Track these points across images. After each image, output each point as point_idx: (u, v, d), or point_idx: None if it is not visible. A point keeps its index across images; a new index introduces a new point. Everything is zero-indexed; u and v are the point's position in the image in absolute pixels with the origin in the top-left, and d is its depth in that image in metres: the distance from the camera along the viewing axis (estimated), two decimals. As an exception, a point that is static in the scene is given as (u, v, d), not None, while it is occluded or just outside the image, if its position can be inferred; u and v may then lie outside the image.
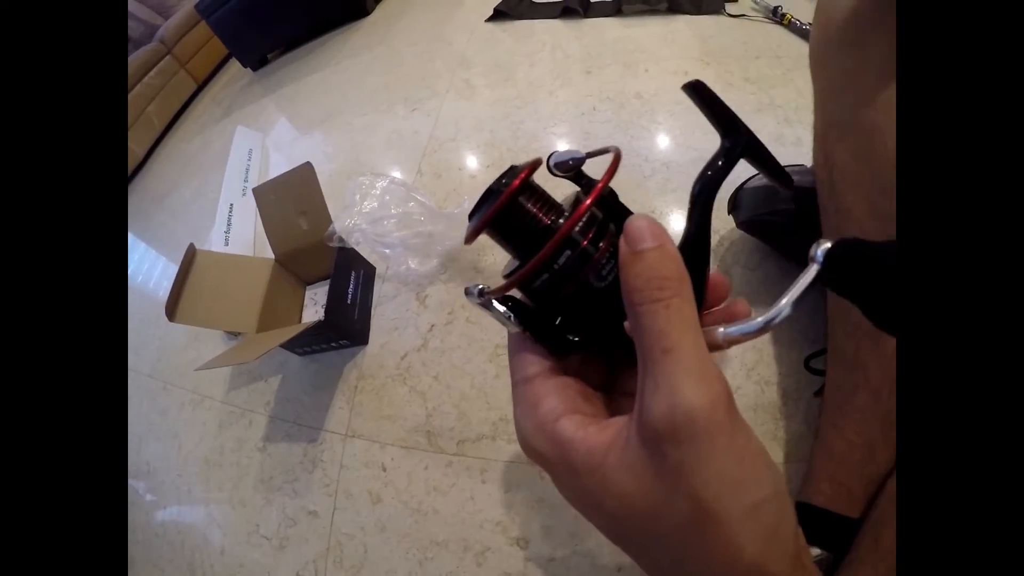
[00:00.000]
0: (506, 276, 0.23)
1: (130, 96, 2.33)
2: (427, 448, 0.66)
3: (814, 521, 0.38)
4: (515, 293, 0.24)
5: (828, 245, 0.20)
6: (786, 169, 0.47)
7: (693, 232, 0.23)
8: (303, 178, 0.87)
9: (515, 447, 0.62)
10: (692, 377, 0.18)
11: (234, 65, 2.58)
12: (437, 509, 0.61)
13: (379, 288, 0.90)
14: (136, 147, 2.16)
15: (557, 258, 0.21)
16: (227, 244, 1.14)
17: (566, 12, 1.61)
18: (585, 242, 0.22)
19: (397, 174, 1.11)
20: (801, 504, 0.45)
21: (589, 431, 0.20)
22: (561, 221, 0.22)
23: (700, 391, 0.17)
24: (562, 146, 0.97)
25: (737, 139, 0.24)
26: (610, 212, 0.24)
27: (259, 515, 0.74)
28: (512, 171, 0.22)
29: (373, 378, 0.77)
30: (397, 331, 0.82)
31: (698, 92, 0.23)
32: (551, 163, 0.25)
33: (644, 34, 1.34)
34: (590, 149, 0.25)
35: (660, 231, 0.20)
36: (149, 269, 1.45)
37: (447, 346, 0.76)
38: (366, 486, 0.67)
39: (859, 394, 0.43)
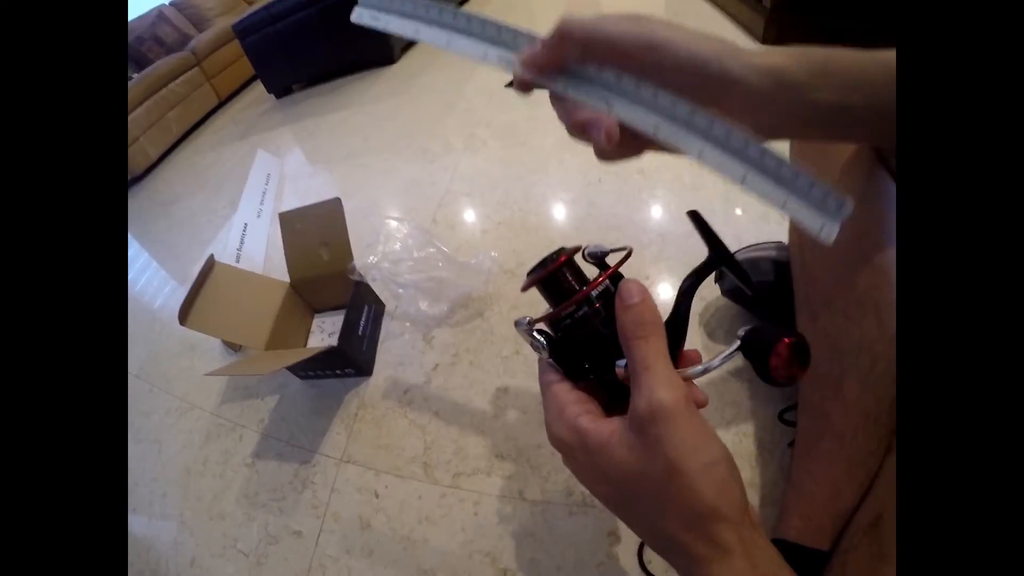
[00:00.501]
0: (542, 319, 0.34)
1: (153, 99, 2.40)
2: (422, 479, 0.69)
3: (787, 554, 0.43)
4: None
5: (745, 330, 0.30)
6: (768, 245, 0.57)
7: (678, 314, 0.33)
8: (330, 211, 0.93)
9: (509, 482, 0.66)
10: (662, 384, 0.27)
11: (257, 88, 2.68)
12: (427, 538, 0.63)
13: (387, 325, 0.95)
14: (151, 149, 2.20)
15: (577, 311, 0.32)
16: (238, 261, 1.18)
17: None
18: (598, 304, 0.33)
19: (413, 220, 1.18)
20: (775, 540, 0.50)
21: (599, 423, 0.30)
22: (583, 288, 0.33)
23: (668, 392, 0.27)
24: (569, 211, 1.06)
25: (719, 255, 0.34)
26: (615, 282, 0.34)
27: (238, 530, 0.74)
28: (561, 251, 0.34)
29: (374, 408, 0.81)
30: (402, 366, 0.86)
31: (695, 219, 0.34)
32: (586, 252, 0.36)
33: None
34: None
35: (644, 291, 0.30)
36: (145, 273, 1.47)
37: (449, 385, 0.80)
38: (357, 511, 0.69)
39: (825, 439, 0.49)
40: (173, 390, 1.05)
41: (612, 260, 0.35)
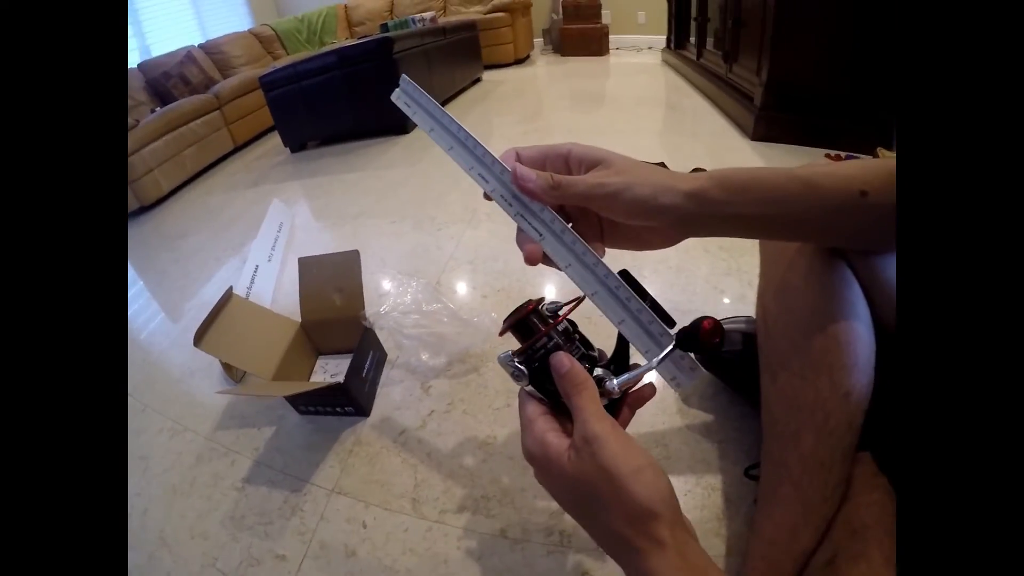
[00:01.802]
0: (520, 351, 0.44)
1: (172, 135, 2.50)
2: (410, 513, 0.74)
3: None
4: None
5: (676, 333, 0.41)
6: (739, 319, 0.81)
7: (619, 346, 0.44)
8: (348, 261, 1.02)
9: (493, 521, 0.71)
10: (593, 419, 0.37)
11: (273, 140, 2.81)
12: (410, 569, 0.67)
13: (388, 372, 1.02)
14: (164, 182, 2.28)
15: (548, 342, 0.42)
16: (248, 299, 1.25)
17: None
18: (561, 340, 0.43)
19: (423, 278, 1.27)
20: None
21: (560, 439, 0.39)
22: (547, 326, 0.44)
23: (597, 424, 0.37)
24: (561, 284, 1.17)
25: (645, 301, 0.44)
26: (575, 332, 0.46)
27: (220, 550, 0.77)
28: (528, 301, 0.45)
29: (369, 446, 0.86)
30: (399, 411, 0.92)
31: (624, 276, 0.44)
32: (544, 307, 0.46)
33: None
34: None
35: (570, 358, 0.41)
36: (140, 301, 1.52)
37: (443, 430, 0.87)
38: (343, 539, 0.73)
39: (784, 486, 0.54)
40: (167, 411, 1.08)
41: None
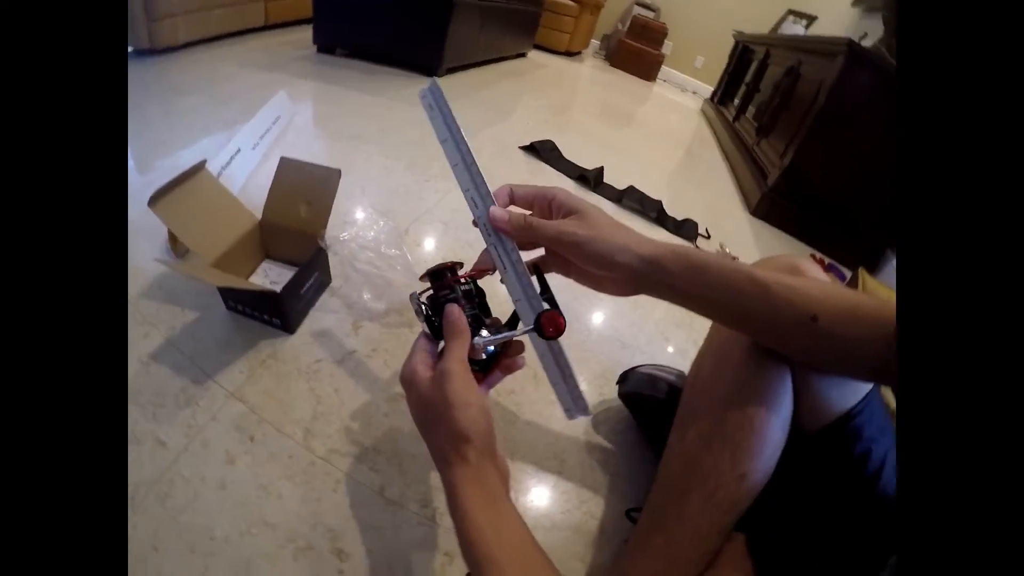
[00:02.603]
0: (425, 292, 0.54)
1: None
2: (300, 441, 0.73)
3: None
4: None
5: (540, 312, 0.49)
6: (672, 370, 0.88)
7: (473, 303, 0.54)
8: (327, 177, 0.99)
9: (376, 475, 0.72)
10: (453, 360, 0.46)
11: (304, 32, 2.69)
12: (282, 495, 0.67)
13: (325, 298, 1.00)
14: (182, 32, 2.15)
15: (450, 294, 0.52)
16: (218, 179, 1.20)
17: (581, 179, 1.94)
18: (463, 297, 0.52)
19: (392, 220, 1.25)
20: None
21: (426, 370, 0.48)
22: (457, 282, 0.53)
23: (454, 364, 0.46)
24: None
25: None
26: (476, 297, 0.55)
27: None
28: (449, 262, 0.54)
29: (282, 363, 0.85)
30: (323, 339, 0.91)
31: (535, 270, 0.53)
32: (461, 270, 0.55)
33: (628, 226, 1.64)
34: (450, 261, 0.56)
35: (459, 312, 0.49)
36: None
37: (358, 373, 0.86)
38: (227, 445, 0.71)
39: (657, 537, 0.56)
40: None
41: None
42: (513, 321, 0.53)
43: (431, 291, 0.54)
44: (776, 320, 0.49)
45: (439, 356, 0.50)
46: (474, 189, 0.51)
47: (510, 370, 0.55)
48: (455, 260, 0.55)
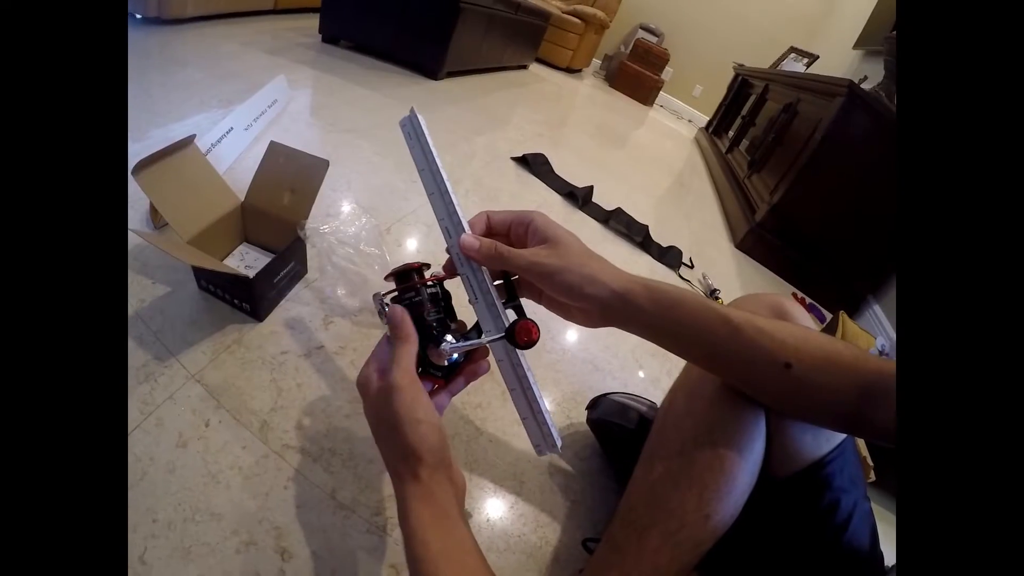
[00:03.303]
0: (388, 294, 0.54)
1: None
2: (255, 433, 0.72)
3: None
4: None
5: (511, 322, 0.48)
6: (644, 400, 0.88)
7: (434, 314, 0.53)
8: (314, 168, 0.97)
9: (329, 477, 0.70)
10: (401, 372, 0.46)
11: (311, 21, 2.69)
12: (231, 485, 0.65)
13: (298, 289, 0.98)
14: (191, 6, 2.13)
15: (415, 296, 0.51)
16: (207, 155, 1.18)
17: (570, 196, 1.95)
18: (427, 301, 0.52)
19: (375, 219, 1.24)
20: None
21: (377, 377, 0.48)
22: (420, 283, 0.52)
23: (401, 376, 0.45)
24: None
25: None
26: (442, 300, 0.54)
27: None
28: (415, 263, 0.53)
29: (247, 350, 0.83)
30: (291, 331, 0.89)
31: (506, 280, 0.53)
32: (428, 272, 0.54)
33: (613, 248, 1.67)
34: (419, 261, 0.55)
35: (403, 312, 0.49)
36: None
37: (324, 369, 0.84)
38: (181, 428, 0.69)
39: (612, 570, 0.55)
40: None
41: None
42: (479, 327, 0.52)
43: (396, 292, 0.53)
44: (747, 364, 0.48)
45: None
46: (447, 218, 0.52)
47: (474, 375, 0.54)
48: (422, 261, 0.54)
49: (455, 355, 0.51)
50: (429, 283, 0.52)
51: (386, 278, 0.55)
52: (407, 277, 0.53)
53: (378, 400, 0.46)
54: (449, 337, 0.50)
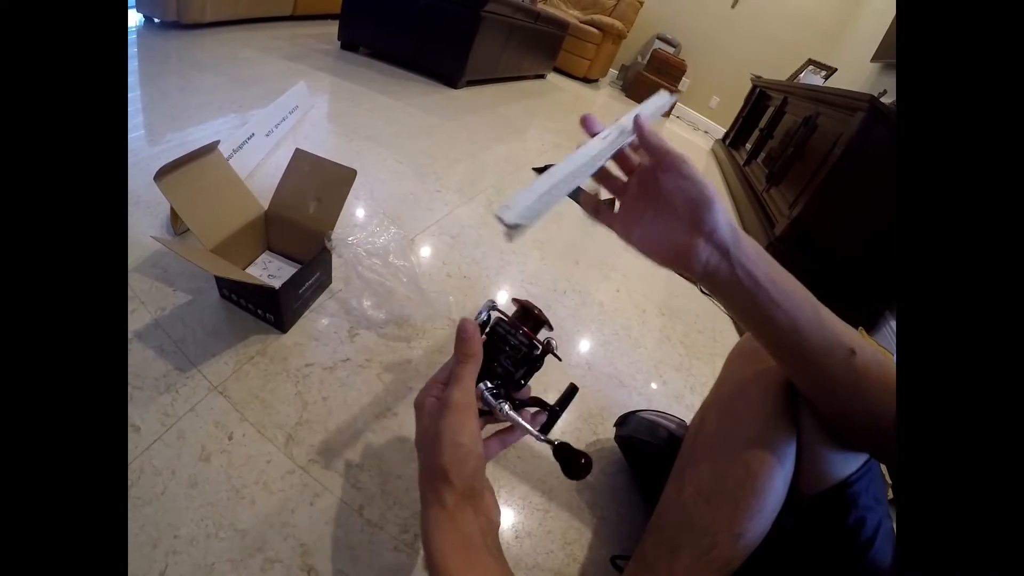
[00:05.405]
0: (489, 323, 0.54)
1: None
2: (280, 447, 0.70)
3: None
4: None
5: (556, 442, 0.50)
6: (674, 419, 0.83)
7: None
8: (342, 176, 0.96)
9: (356, 493, 0.68)
10: (459, 390, 0.45)
11: (330, 28, 2.71)
12: (255, 501, 0.63)
13: (323, 300, 0.97)
14: (210, 11, 2.16)
15: (505, 332, 0.52)
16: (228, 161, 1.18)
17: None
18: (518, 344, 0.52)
19: (403, 229, 1.23)
20: None
21: (434, 398, 0.48)
22: (521, 332, 0.53)
23: (459, 395, 0.45)
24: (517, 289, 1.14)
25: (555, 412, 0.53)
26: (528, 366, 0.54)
27: None
28: (538, 310, 0.54)
29: (270, 362, 0.82)
30: (316, 343, 0.88)
31: (570, 391, 0.54)
32: (546, 335, 0.55)
33: (633, 264, 1.62)
34: (547, 316, 0.55)
35: (475, 328, 0.48)
36: (131, 108, 1.42)
37: (349, 383, 0.83)
38: (203, 440, 0.68)
39: None
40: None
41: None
42: (557, 405, 0.52)
43: (501, 315, 0.53)
44: (823, 348, 0.47)
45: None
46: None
47: (504, 444, 0.53)
48: (543, 313, 0.54)
49: (487, 408, 0.51)
50: (537, 342, 0.53)
51: (513, 300, 0.57)
52: (528, 315, 0.53)
53: (431, 413, 0.46)
54: (506, 405, 0.50)
